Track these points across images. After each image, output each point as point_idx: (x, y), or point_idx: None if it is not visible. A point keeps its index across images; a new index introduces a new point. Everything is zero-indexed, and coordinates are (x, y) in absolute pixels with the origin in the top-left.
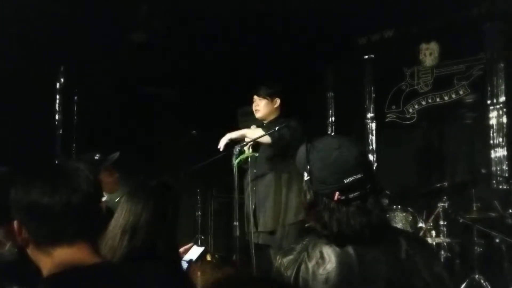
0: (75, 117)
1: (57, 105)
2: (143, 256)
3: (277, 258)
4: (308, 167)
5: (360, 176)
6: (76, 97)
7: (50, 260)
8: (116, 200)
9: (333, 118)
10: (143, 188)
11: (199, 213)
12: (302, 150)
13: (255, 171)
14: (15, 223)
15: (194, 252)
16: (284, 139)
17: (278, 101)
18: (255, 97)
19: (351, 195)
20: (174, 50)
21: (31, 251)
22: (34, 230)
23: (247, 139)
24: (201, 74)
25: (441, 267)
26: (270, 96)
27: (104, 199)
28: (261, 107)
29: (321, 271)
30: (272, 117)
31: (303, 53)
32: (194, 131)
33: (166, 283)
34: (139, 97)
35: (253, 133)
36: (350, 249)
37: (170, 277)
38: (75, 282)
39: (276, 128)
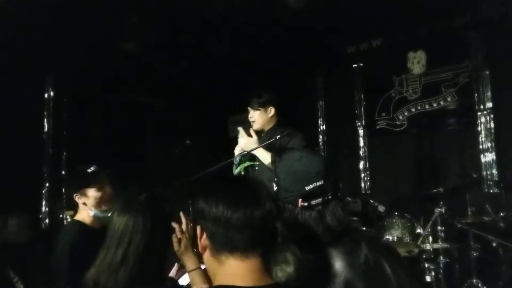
0: (65, 129)
1: (45, 116)
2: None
3: None
4: (275, 177)
5: (320, 183)
6: (65, 108)
7: (222, 270)
8: (109, 215)
9: (324, 127)
10: (135, 202)
11: (191, 225)
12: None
13: None
14: (198, 229)
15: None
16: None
17: (272, 110)
18: (249, 108)
19: (313, 202)
20: (167, 59)
21: (206, 258)
22: (215, 237)
23: (237, 149)
24: (192, 83)
25: (407, 275)
26: (262, 106)
27: (92, 213)
28: (255, 118)
29: (280, 274)
30: (268, 126)
31: (293, 62)
32: (188, 141)
33: None
34: (131, 108)
35: (248, 144)
36: (311, 254)
37: None
38: None
39: (278, 137)
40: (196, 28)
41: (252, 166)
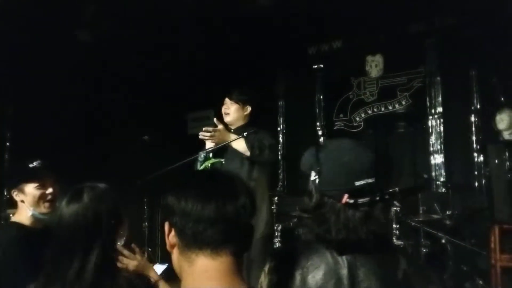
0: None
1: None
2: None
3: (267, 262)
4: (318, 166)
5: (371, 181)
6: (10, 100)
7: (191, 269)
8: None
9: (283, 126)
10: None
11: (146, 224)
12: (310, 151)
13: None
14: (166, 226)
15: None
16: (264, 149)
17: (249, 109)
18: (227, 99)
19: (360, 200)
20: (122, 53)
21: (175, 257)
22: (183, 233)
23: (208, 143)
24: (150, 79)
25: None
26: (242, 102)
27: (31, 213)
28: (231, 110)
29: (309, 279)
30: (240, 123)
31: (254, 62)
32: (146, 136)
33: None
34: (86, 102)
35: (224, 137)
36: (344, 260)
37: None
38: None
39: (245, 134)
40: (151, 26)
41: (219, 163)
